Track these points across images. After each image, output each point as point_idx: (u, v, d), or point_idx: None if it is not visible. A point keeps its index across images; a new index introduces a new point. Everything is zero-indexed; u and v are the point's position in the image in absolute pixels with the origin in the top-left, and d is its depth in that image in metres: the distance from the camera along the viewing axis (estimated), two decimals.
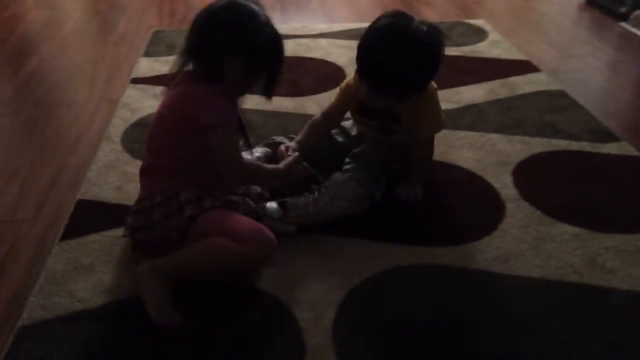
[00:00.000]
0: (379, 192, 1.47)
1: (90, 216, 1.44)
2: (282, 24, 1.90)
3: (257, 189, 1.39)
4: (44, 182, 1.60)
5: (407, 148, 1.52)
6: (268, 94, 1.31)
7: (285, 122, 1.89)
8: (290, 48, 2.42)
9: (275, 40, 1.26)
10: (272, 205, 1.37)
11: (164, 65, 2.28)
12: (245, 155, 1.54)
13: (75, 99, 2.09)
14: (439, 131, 1.53)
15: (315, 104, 2.00)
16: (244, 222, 1.21)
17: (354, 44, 1.42)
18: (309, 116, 1.70)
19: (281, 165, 1.38)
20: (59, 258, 1.30)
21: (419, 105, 1.45)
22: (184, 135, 1.24)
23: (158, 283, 1.15)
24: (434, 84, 1.49)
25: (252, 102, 1.59)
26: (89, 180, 1.57)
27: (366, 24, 1.42)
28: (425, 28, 1.34)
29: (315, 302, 1.19)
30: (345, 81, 1.56)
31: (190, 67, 1.27)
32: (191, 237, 1.20)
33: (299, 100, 2.05)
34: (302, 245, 1.34)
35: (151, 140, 1.31)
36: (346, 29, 2.72)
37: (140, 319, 1.13)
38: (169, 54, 2.41)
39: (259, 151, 1.58)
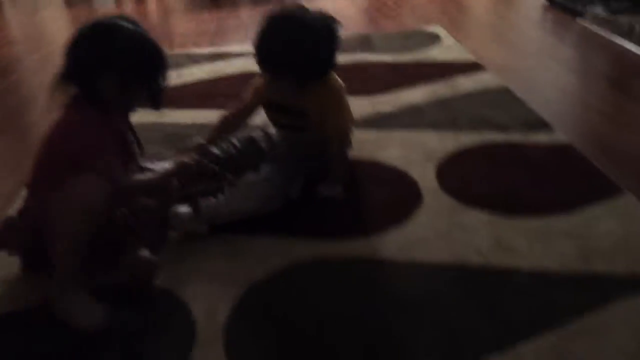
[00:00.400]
0: (294, 190, 1.49)
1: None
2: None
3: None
4: None
5: (322, 146, 1.54)
6: (154, 106, 1.31)
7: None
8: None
9: (147, 52, 1.24)
10: (183, 207, 1.40)
11: None
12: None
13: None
14: (344, 131, 1.55)
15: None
16: None
17: None
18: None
19: (162, 170, 1.35)
20: None
21: (323, 100, 1.48)
22: (53, 165, 1.21)
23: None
24: (339, 81, 1.52)
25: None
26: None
27: None
28: (316, 14, 1.41)
29: (213, 298, 1.21)
30: (256, 78, 1.59)
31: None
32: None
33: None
34: (210, 244, 1.37)
35: (35, 160, 1.26)
36: None
37: (40, 324, 1.17)
38: None
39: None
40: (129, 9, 3.92)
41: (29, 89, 2.56)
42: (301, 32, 1.38)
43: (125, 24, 1.23)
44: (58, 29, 3.58)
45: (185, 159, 1.47)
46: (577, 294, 1.16)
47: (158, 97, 1.30)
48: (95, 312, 1.17)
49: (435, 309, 1.14)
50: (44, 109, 2.24)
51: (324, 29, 1.40)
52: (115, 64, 1.21)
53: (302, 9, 1.42)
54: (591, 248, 1.28)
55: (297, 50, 1.38)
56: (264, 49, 1.41)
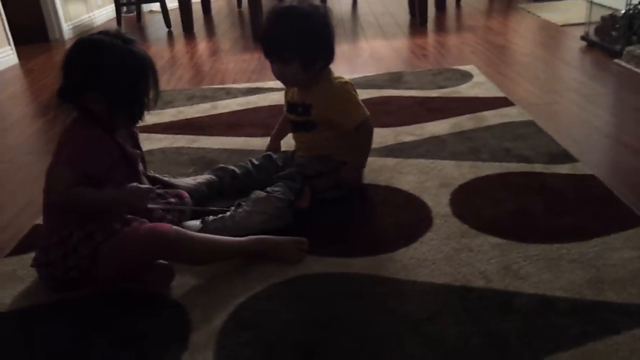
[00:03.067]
0: (303, 200, 1.52)
1: (38, 238, 1.55)
2: None
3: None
4: (12, 212, 1.76)
5: (332, 148, 1.64)
6: (131, 120, 1.32)
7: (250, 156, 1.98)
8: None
9: (129, 68, 1.25)
10: (192, 221, 1.44)
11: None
12: (189, 180, 1.65)
13: None
14: (360, 119, 1.61)
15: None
16: (141, 231, 1.28)
17: None
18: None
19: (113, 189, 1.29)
20: None
21: (327, 94, 1.60)
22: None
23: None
24: (345, 79, 1.64)
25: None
26: None
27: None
28: (311, 5, 1.57)
29: (213, 306, 1.23)
30: None
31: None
32: (102, 265, 1.25)
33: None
34: None
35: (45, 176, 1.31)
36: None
37: (50, 319, 1.23)
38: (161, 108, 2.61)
39: (202, 178, 1.67)
40: (180, 48, 4.12)
41: None
42: (302, 17, 1.55)
43: (107, 39, 1.25)
44: None
45: (200, 179, 1.54)
46: (583, 322, 1.10)
47: (139, 111, 1.30)
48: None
49: (432, 327, 1.12)
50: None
51: (321, 14, 1.58)
52: (98, 81, 1.23)
53: (299, 1, 1.58)
54: (603, 277, 1.23)
55: (300, 31, 1.53)
56: (270, 36, 1.56)
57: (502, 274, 1.26)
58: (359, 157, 1.67)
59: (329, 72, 1.64)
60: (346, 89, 1.61)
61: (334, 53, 1.63)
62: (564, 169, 1.72)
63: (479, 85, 2.58)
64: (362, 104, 1.64)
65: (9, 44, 3.98)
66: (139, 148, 1.41)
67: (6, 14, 3.99)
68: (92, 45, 1.26)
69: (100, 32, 1.29)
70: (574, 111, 2.24)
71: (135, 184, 1.28)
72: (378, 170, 1.79)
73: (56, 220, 1.29)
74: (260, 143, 2.09)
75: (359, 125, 1.61)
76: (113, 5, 4.99)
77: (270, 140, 1.88)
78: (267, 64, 1.66)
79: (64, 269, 1.26)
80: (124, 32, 1.32)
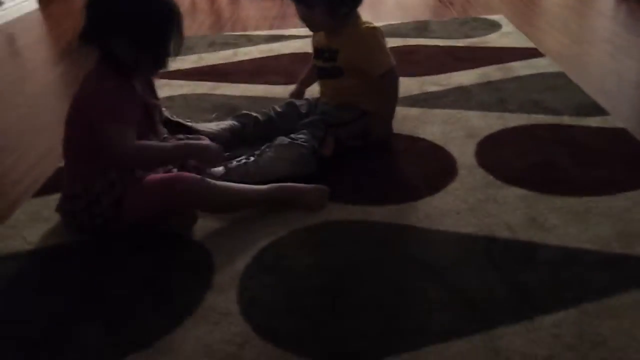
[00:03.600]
0: (326, 148, 1.51)
1: (62, 179, 1.57)
2: None
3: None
4: (35, 156, 1.77)
5: (357, 96, 1.60)
6: (156, 67, 1.29)
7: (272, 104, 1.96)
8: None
9: (156, 12, 1.23)
10: (215, 168, 1.44)
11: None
12: (212, 126, 1.64)
13: None
14: (386, 67, 1.57)
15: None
16: (164, 180, 1.28)
17: None
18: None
19: (178, 143, 1.36)
20: (24, 210, 1.45)
21: (354, 39, 1.56)
22: (81, 127, 1.26)
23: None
24: (374, 24, 1.59)
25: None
26: None
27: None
28: None
29: (235, 249, 1.24)
30: None
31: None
32: (126, 213, 1.26)
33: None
34: None
35: (65, 126, 1.31)
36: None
37: (76, 257, 1.26)
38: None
39: (225, 124, 1.66)
40: None
41: None
42: None
43: None
44: None
45: (223, 124, 1.53)
46: (608, 274, 1.09)
47: (162, 59, 1.27)
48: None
49: (455, 275, 1.11)
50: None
51: None
52: (124, 25, 1.21)
53: None
54: (631, 232, 1.20)
55: None
56: None
57: (527, 225, 1.24)
58: (387, 108, 1.63)
59: (357, 17, 1.59)
60: (374, 34, 1.57)
61: None
62: (594, 121, 1.67)
63: (508, 35, 2.50)
64: (389, 52, 1.59)
65: None
66: (156, 97, 1.39)
67: None
68: None
69: None
70: (605, 62, 2.16)
71: (208, 142, 1.36)
72: (402, 119, 1.76)
73: (79, 168, 1.29)
74: (282, 91, 2.06)
75: (384, 74, 1.56)
76: None
77: (297, 85, 1.84)
78: (290, 11, 1.62)
79: (89, 217, 1.28)
80: None
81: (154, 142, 1.31)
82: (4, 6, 3.63)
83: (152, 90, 1.39)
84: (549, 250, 1.17)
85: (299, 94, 1.81)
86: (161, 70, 1.31)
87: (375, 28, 1.58)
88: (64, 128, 1.31)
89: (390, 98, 1.62)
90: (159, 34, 1.24)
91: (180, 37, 1.28)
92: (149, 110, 1.33)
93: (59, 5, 3.98)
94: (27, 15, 3.78)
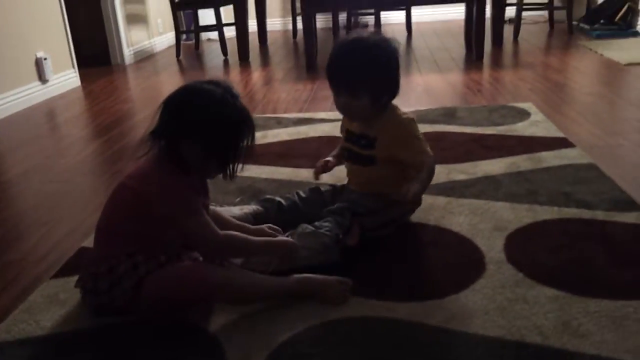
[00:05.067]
0: (351, 238, 1.47)
1: (84, 261, 1.56)
2: None
3: None
4: (62, 232, 1.78)
5: (386, 187, 1.57)
6: (219, 172, 1.31)
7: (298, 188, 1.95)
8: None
9: (228, 121, 1.24)
10: None
11: None
12: (235, 210, 1.63)
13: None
14: (426, 157, 1.52)
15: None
16: (183, 269, 1.26)
17: None
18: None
19: (264, 239, 1.38)
20: (41, 292, 1.43)
21: (392, 129, 1.54)
22: (128, 207, 1.28)
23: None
24: (409, 115, 1.58)
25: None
26: None
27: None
28: (379, 36, 1.54)
29: (251, 343, 1.19)
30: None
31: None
32: (144, 297, 1.24)
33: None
34: None
35: (107, 204, 1.33)
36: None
37: (88, 345, 1.22)
38: None
39: (248, 208, 1.65)
40: (235, 76, 4.19)
41: (131, 139, 2.76)
42: (372, 50, 1.50)
43: (213, 88, 1.24)
44: (170, 89, 3.86)
45: (247, 209, 1.52)
46: None
47: (232, 166, 1.29)
48: None
49: None
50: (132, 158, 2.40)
51: (390, 46, 1.53)
52: (197, 130, 1.23)
53: (366, 33, 1.57)
54: None
55: (371, 65, 1.49)
56: (340, 68, 1.52)
57: (560, 330, 1.17)
58: (425, 176, 1.51)
59: (394, 106, 1.59)
60: (414, 125, 1.56)
61: (399, 86, 1.57)
62: (629, 217, 1.61)
63: (537, 124, 2.49)
64: (426, 144, 1.57)
65: (73, 67, 4.14)
66: (208, 196, 1.38)
67: (73, 38, 4.16)
68: (200, 95, 1.25)
69: (211, 82, 1.28)
70: (638, 154, 2.11)
71: (289, 239, 1.40)
72: (428, 208, 1.72)
73: (111, 249, 1.28)
74: (308, 175, 2.05)
75: (423, 163, 1.51)
76: (173, 32, 5.14)
77: (330, 158, 1.71)
78: (320, 94, 1.64)
79: (110, 298, 1.26)
80: (231, 85, 1.30)
81: (237, 234, 1.34)
82: (49, 83, 3.82)
83: (206, 191, 1.38)
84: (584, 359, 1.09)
85: (326, 165, 1.68)
86: (223, 177, 1.31)
87: (413, 119, 1.57)
88: (107, 209, 1.32)
89: (429, 172, 1.53)
90: (229, 143, 1.26)
91: (250, 147, 1.29)
92: (203, 207, 1.33)
93: (99, 83, 4.17)
94: (70, 91, 3.97)
